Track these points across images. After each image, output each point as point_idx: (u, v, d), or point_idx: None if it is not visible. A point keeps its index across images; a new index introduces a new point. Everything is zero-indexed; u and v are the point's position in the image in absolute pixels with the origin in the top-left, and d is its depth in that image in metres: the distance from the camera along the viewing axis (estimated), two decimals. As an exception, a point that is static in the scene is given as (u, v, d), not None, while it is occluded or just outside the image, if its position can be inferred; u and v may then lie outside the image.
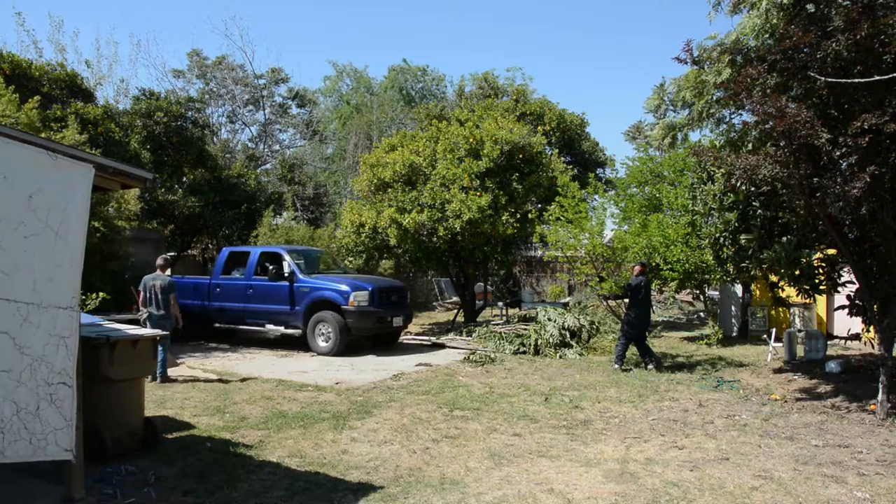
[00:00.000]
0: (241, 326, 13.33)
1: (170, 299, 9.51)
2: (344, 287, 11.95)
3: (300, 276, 12.40)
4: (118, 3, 50.58)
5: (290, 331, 12.73)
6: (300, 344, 12.76)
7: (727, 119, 9.68)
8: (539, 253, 20.92)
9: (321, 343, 11.98)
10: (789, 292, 10.35)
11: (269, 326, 12.97)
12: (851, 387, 8.94)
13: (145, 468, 5.59)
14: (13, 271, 4.05)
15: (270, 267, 12.56)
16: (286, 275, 12.50)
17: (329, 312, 11.92)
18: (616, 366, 10.42)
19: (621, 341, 10.66)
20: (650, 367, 10.41)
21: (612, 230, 15.15)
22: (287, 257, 12.79)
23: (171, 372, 9.78)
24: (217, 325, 13.62)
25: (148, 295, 9.49)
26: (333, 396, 8.44)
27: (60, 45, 26.22)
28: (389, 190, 15.60)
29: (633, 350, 10.77)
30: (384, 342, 13.27)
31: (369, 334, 12.46)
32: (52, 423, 4.14)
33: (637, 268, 10.91)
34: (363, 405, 7.93)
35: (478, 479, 5.42)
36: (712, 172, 9.73)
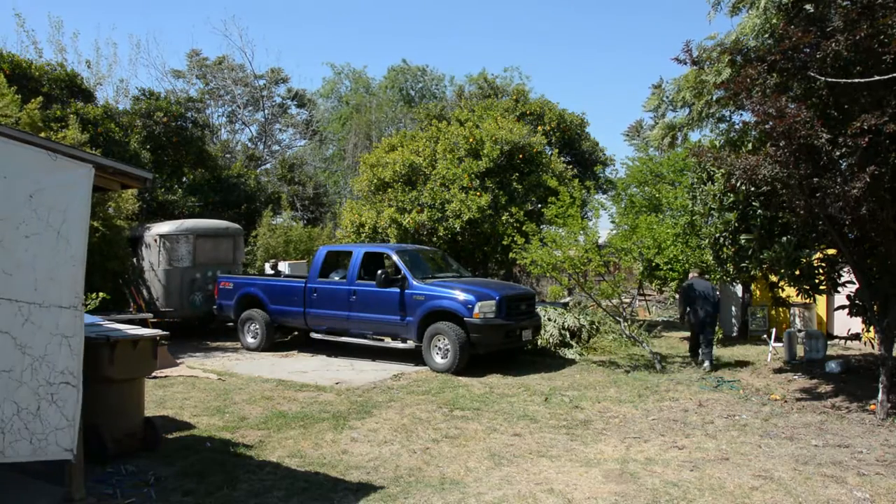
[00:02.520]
0: (343, 339, 11.60)
1: None
2: (467, 296, 10.24)
3: (413, 281, 10.73)
4: (118, 3, 50.61)
5: (401, 344, 11.12)
6: (300, 344, 12.74)
7: (727, 119, 9.69)
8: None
9: (438, 359, 10.25)
10: (789, 292, 10.34)
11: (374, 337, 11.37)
12: (851, 387, 8.93)
13: (145, 468, 5.60)
14: (14, 270, 4.04)
15: (379, 272, 10.91)
16: (396, 280, 10.89)
17: (447, 324, 10.18)
18: (706, 366, 10.33)
19: (700, 342, 10.60)
20: (706, 363, 10.39)
21: (609, 230, 15.06)
22: (396, 259, 11.15)
23: (171, 372, 9.80)
24: (314, 335, 11.94)
25: None
26: (333, 396, 8.44)
27: (60, 45, 26.05)
28: (389, 190, 15.60)
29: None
30: (505, 357, 11.07)
31: (495, 350, 10.59)
32: (52, 423, 4.12)
33: (691, 274, 11.38)
34: (363, 405, 7.94)
35: (478, 479, 5.42)
36: (712, 172, 9.73)
